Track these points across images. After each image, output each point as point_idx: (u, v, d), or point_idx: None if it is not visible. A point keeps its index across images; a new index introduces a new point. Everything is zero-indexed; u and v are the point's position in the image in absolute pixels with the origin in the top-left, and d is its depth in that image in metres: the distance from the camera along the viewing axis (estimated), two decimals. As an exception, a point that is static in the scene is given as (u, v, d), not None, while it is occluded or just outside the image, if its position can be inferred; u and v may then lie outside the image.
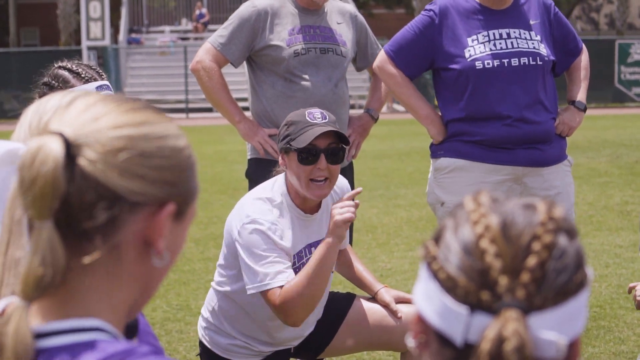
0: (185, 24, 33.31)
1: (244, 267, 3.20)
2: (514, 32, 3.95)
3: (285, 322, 3.18)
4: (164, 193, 1.20)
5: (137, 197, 1.17)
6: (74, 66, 2.90)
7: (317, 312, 3.51)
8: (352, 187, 4.51)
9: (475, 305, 1.09)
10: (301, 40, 4.25)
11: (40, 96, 2.86)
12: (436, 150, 4.11)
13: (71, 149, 1.15)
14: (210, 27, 30.48)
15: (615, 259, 6.84)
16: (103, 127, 1.17)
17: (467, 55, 3.92)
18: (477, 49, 3.92)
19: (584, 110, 4.19)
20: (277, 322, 3.34)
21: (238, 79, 21.27)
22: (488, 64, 3.91)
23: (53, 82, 2.87)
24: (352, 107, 4.47)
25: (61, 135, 1.16)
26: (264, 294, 3.15)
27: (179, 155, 1.23)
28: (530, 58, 3.95)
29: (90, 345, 1.14)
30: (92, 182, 1.15)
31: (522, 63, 3.93)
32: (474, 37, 3.94)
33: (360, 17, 4.53)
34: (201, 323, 3.51)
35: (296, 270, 3.26)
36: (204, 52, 4.31)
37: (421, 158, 13.66)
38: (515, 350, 1.05)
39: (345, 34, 4.38)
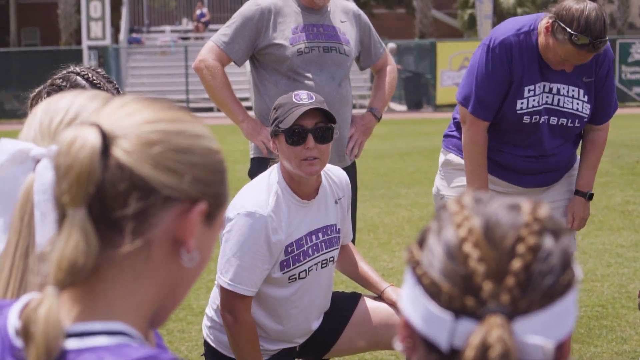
0: (186, 24, 33.30)
1: (223, 253, 3.26)
2: (564, 88, 3.83)
3: (220, 312, 3.31)
4: (196, 190, 1.20)
5: (169, 191, 1.18)
6: (94, 77, 2.73)
7: (324, 304, 3.52)
8: (355, 188, 4.51)
9: (460, 311, 1.07)
10: (304, 38, 4.24)
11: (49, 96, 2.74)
12: (448, 145, 4.11)
13: (107, 139, 1.17)
14: (211, 26, 30.48)
15: (617, 259, 6.84)
16: (139, 121, 1.19)
17: (518, 106, 3.83)
18: (530, 101, 3.82)
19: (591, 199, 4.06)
20: (287, 309, 3.37)
21: (239, 78, 21.29)
22: (535, 119, 3.85)
23: (70, 90, 2.69)
24: (353, 106, 4.46)
25: (98, 126, 1.18)
26: (226, 290, 3.26)
27: (212, 155, 1.23)
28: (570, 120, 3.87)
29: (113, 350, 1.14)
30: (127, 172, 1.16)
31: (559, 123, 3.87)
32: (531, 87, 3.81)
33: (364, 16, 4.52)
34: (205, 322, 3.51)
35: (295, 257, 3.29)
36: (207, 50, 4.30)
37: (422, 158, 13.66)
38: (500, 357, 1.04)
39: (348, 32, 4.38)
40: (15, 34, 36.68)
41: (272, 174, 3.34)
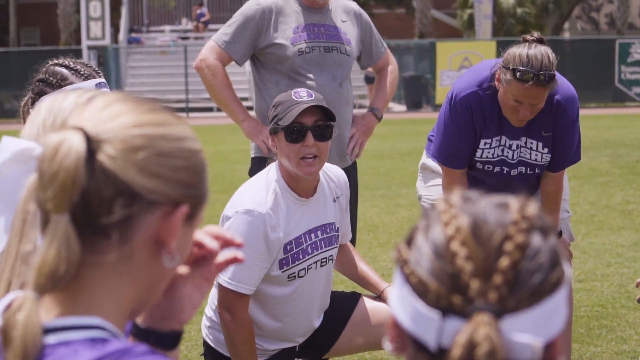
0: (186, 24, 33.31)
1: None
2: (522, 140, 3.84)
3: (218, 309, 3.31)
4: (179, 193, 1.21)
5: (154, 195, 1.19)
6: (71, 63, 2.87)
7: (324, 303, 3.52)
8: (356, 187, 4.51)
9: (447, 310, 1.06)
10: (305, 38, 4.24)
11: (36, 93, 2.84)
12: (430, 146, 4.16)
13: (92, 144, 1.16)
14: (211, 26, 30.48)
15: (617, 259, 6.84)
16: (123, 124, 1.19)
17: (477, 154, 3.88)
18: (484, 152, 3.86)
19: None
20: (286, 307, 3.37)
21: (239, 78, 21.28)
22: (488, 167, 3.89)
23: (50, 78, 2.82)
24: (353, 106, 4.48)
25: (82, 130, 1.17)
26: (224, 289, 3.26)
27: (195, 157, 1.24)
28: (528, 169, 3.90)
29: (88, 343, 1.15)
30: (111, 177, 1.16)
31: (519, 171, 3.90)
32: (488, 140, 3.84)
33: (365, 15, 4.52)
34: (205, 322, 3.51)
35: (294, 256, 3.30)
36: (208, 50, 4.30)
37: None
38: (487, 355, 1.03)
39: (349, 32, 4.38)
40: (15, 33, 36.66)
41: (270, 172, 3.34)
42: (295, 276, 3.35)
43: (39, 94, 2.81)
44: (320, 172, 3.41)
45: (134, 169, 1.17)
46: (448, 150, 3.89)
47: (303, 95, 3.29)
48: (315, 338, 3.54)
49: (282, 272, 3.31)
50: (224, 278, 3.24)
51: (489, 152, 3.86)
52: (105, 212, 1.16)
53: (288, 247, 3.30)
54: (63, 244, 1.15)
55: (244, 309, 3.27)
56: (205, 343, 3.51)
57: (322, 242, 3.39)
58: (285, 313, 3.39)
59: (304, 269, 3.35)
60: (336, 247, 3.47)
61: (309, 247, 3.35)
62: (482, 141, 3.84)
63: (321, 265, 3.41)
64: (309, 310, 3.44)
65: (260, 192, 3.27)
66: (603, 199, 9.48)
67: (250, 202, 3.23)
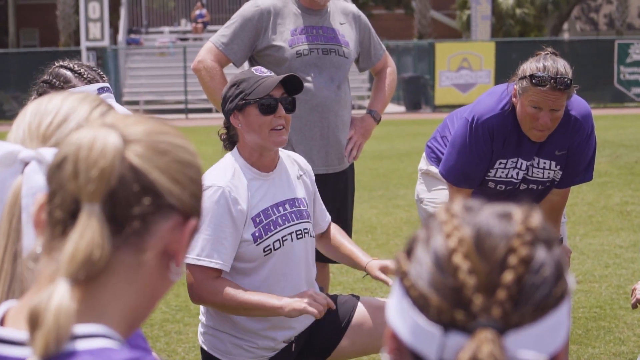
0: (185, 25, 33.29)
1: None
2: (535, 160, 3.83)
3: (190, 297, 3.30)
4: (191, 205, 1.25)
5: (173, 199, 1.23)
6: (75, 66, 2.89)
7: (310, 279, 3.49)
8: (352, 189, 4.51)
9: (449, 325, 1.04)
10: (304, 40, 4.24)
11: (40, 94, 2.84)
12: (431, 158, 4.15)
13: (123, 142, 1.21)
14: (210, 27, 30.47)
15: (615, 259, 6.84)
16: (148, 129, 1.24)
17: (489, 173, 3.88)
18: (498, 172, 3.86)
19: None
20: (273, 288, 3.34)
21: (237, 79, 21.24)
22: (500, 187, 3.89)
23: (54, 80, 2.85)
24: (352, 107, 4.47)
25: (116, 128, 1.22)
26: (193, 267, 3.25)
27: (201, 174, 1.29)
28: (540, 185, 3.90)
29: (96, 353, 1.15)
30: (139, 174, 1.20)
31: (529, 187, 3.90)
32: (504, 161, 3.82)
33: (364, 17, 4.52)
34: (200, 329, 3.50)
35: (265, 227, 3.31)
36: (206, 51, 4.31)
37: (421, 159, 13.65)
38: None
39: (348, 34, 4.38)
40: (14, 34, 36.66)
41: (227, 155, 3.43)
42: (271, 249, 3.33)
43: (43, 95, 2.82)
44: (280, 152, 3.49)
45: (159, 170, 1.21)
46: (461, 172, 3.88)
47: (265, 71, 3.40)
48: (316, 343, 3.51)
49: (257, 245, 3.31)
50: (192, 256, 3.25)
51: (502, 172, 3.85)
52: (129, 206, 1.19)
53: (257, 219, 3.31)
54: (97, 231, 1.17)
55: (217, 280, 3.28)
56: (202, 350, 3.48)
57: (293, 214, 3.40)
58: (271, 291, 3.33)
59: (279, 240, 3.34)
60: (309, 221, 3.47)
61: (279, 219, 3.36)
62: (498, 161, 3.83)
63: (297, 238, 3.40)
64: (296, 287, 3.39)
65: (218, 171, 3.35)
66: (601, 200, 9.48)
67: (209, 180, 3.28)
